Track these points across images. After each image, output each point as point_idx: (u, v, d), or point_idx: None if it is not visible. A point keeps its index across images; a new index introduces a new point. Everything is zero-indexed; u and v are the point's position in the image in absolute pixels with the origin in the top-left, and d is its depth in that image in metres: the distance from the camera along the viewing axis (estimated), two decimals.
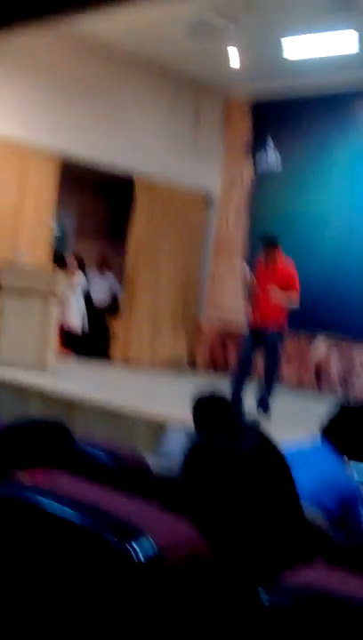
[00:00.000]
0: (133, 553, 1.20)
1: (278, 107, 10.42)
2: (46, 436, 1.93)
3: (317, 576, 1.19)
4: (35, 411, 6.00)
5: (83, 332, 10.28)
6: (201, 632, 1.21)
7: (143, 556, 1.20)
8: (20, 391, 6.45)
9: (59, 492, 1.39)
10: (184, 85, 10.51)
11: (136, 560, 1.20)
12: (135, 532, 1.24)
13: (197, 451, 1.45)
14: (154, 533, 1.25)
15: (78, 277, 10.26)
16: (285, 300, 6.66)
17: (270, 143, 10.57)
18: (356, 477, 2.87)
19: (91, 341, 10.32)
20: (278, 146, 10.48)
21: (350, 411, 3.04)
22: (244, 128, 10.94)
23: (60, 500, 1.35)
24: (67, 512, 1.31)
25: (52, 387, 6.49)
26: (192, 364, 10.71)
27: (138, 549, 1.20)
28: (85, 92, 9.64)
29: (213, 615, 1.23)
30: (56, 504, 1.34)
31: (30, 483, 1.44)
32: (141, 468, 2.17)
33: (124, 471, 2.10)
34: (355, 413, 3.02)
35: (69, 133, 9.51)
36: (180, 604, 1.20)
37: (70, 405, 5.96)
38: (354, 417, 3.00)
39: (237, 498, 1.37)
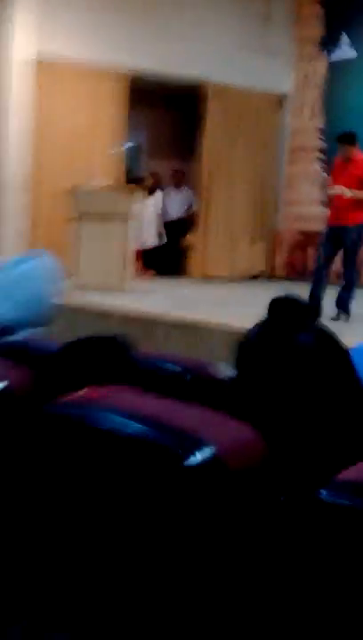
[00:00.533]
0: (194, 461, 1.18)
1: None
2: (105, 351, 1.91)
3: None
4: (116, 332, 6.05)
5: (161, 249, 10.27)
6: (260, 531, 1.20)
7: (205, 463, 1.18)
8: (100, 313, 6.52)
9: (116, 407, 1.37)
10: None
11: (198, 468, 1.18)
12: (196, 441, 1.22)
13: (246, 347, 1.39)
14: (216, 441, 1.23)
15: (154, 195, 10.19)
16: (358, 195, 6.46)
17: (345, 37, 10.10)
18: None
19: (170, 259, 10.31)
20: (353, 37, 9.99)
21: None
22: (315, 23, 10.45)
23: (118, 413, 1.33)
24: (125, 425, 1.29)
25: (131, 306, 6.53)
26: (272, 273, 10.59)
27: (199, 457, 1.18)
28: (148, 1, 9.37)
29: (271, 516, 1.21)
30: (113, 418, 1.32)
31: (88, 399, 1.43)
32: (211, 376, 2.15)
33: (193, 380, 2.09)
34: None
35: (136, 47, 9.29)
36: (239, 509, 1.19)
37: (150, 323, 5.99)
38: None
39: (292, 394, 1.33)
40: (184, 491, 1.18)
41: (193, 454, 1.19)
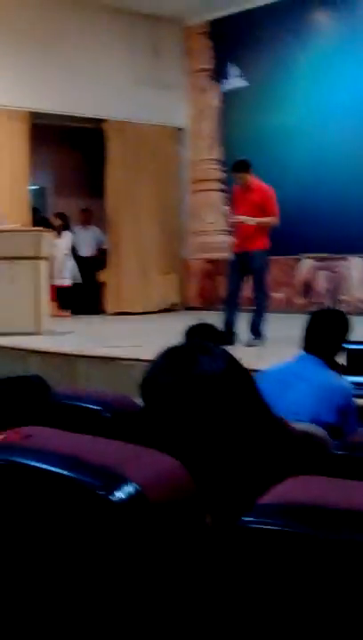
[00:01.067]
0: (114, 497, 1.16)
1: (236, 27, 10.18)
2: (22, 392, 1.88)
3: (298, 489, 1.16)
4: (34, 372, 5.97)
5: (76, 288, 10.23)
6: (189, 566, 1.19)
7: (125, 498, 1.16)
8: (19, 356, 6.43)
9: (35, 447, 1.35)
10: (139, 19, 10.25)
11: (118, 503, 1.16)
12: (115, 476, 1.21)
13: (150, 378, 1.39)
14: (136, 475, 1.21)
15: (64, 235, 10.16)
16: (262, 222, 6.59)
17: (234, 68, 10.36)
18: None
19: (84, 297, 10.26)
20: (242, 66, 10.25)
21: (316, 316, 3.02)
22: (205, 55, 10.69)
23: (37, 454, 1.31)
24: (44, 465, 1.27)
25: (49, 346, 6.46)
26: (185, 303, 10.67)
27: (119, 493, 1.17)
28: (42, 42, 9.45)
29: (199, 546, 1.20)
30: (32, 459, 1.30)
31: (9, 442, 1.40)
32: (130, 410, 2.15)
33: (113, 415, 2.07)
34: (320, 317, 3.01)
35: (34, 87, 9.36)
36: (166, 542, 1.17)
37: (69, 362, 5.94)
38: (320, 320, 2.98)
39: (200, 421, 1.33)
40: (109, 529, 1.15)
41: (115, 491, 1.17)
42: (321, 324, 2.98)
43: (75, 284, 10.27)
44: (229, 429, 1.34)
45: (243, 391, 1.38)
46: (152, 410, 1.39)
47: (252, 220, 6.55)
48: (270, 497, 1.16)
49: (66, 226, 10.34)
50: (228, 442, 1.34)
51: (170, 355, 1.42)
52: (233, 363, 1.41)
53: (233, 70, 10.40)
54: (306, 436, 2.06)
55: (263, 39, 9.91)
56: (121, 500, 1.16)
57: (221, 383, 1.35)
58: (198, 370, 1.35)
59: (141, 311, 10.09)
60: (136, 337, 7.31)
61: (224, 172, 10.23)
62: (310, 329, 2.97)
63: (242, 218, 6.61)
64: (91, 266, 10.62)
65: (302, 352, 2.95)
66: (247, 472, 1.34)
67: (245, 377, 1.41)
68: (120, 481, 1.19)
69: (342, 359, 3.81)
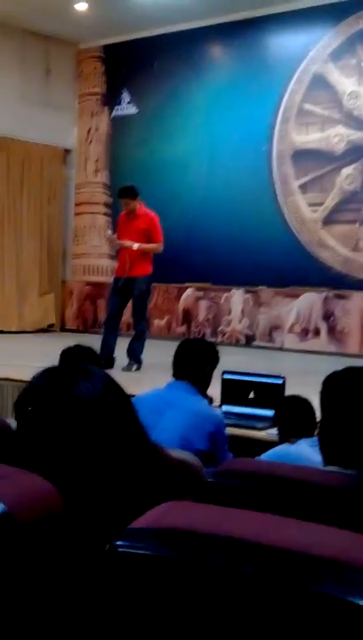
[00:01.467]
0: None
1: (130, 54, 10.23)
2: None
3: (170, 514, 1.15)
4: None
5: None
6: (55, 585, 1.16)
7: None
8: None
9: None
10: (32, 38, 10.16)
11: None
12: None
13: (25, 396, 1.36)
14: (3, 494, 1.17)
15: None
16: (146, 248, 6.64)
17: (125, 94, 10.42)
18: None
19: None
20: (134, 93, 10.32)
21: (184, 345, 3.07)
22: (97, 78, 10.71)
23: None
24: None
25: None
26: (62, 325, 10.56)
27: None
28: None
29: (67, 568, 1.17)
30: None
31: None
32: (2, 429, 2.08)
33: None
34: (188, 346, 3.06)
35: None
36: (33, 563, 1.14)
37: None
38: (188, 349, 3.03)
39: (76, 443, 1.31)
40: None
41: None
42: (189, 353, 3.03)
43: None
44: (104, 453, 1.32)
45: (121, 415, 1.38)
46: (27, 430, 1.35)
47: (135, 245, 6.58)
48: (141, 521, 1.16)
49: None
50: (102, 465, 1.32)
51: (49, 376, 1.40)
52: (112, 386, 1.40)
53: (125, 96, 10.46)
54: (181, 462, 2.06)
55: (157, 68, 10.03)
56: None
57: (99, 406, 1.34)
58: (77, 392, 1.34)
59: (15, 330, 9.89)
60: (9, 357, 7.14)
61: (110, 196, 10.24)
62: (178, 357, 3.01)
63: (127, 243, 6.63)
64: None
65: (173, 379, 2.98)
66: (121, 496, 1.32)
67: (123, 401, 1.40)
68: None
69: (216, 389, 3.86)
